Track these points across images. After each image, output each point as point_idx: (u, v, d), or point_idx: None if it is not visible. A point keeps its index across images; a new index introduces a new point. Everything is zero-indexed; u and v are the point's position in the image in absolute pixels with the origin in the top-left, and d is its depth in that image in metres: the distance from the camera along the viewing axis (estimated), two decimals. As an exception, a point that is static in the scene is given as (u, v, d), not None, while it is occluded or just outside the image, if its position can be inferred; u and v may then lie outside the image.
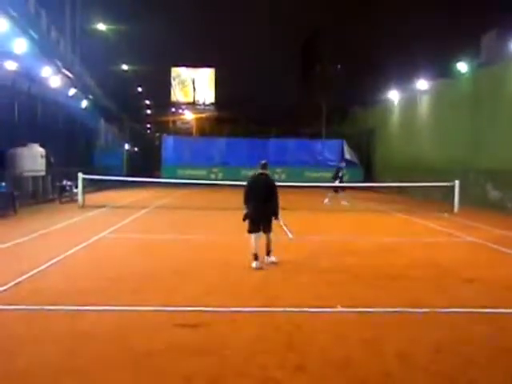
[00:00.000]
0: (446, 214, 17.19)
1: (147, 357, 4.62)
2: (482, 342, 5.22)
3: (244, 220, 8.69)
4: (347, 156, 37.00)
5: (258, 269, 8.27)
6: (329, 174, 36.30)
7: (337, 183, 20.74)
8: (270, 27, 52.83)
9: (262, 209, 8.66)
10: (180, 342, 5.00)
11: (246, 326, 5.54)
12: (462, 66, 23.24)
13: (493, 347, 5.07)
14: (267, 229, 8.75)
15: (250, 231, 8.68)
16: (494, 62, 20.86)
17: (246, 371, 4.39)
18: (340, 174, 20.74)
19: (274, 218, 8.85)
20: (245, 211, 8.73)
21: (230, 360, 4.60)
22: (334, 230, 13.92)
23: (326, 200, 20.72)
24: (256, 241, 8.58)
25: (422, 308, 6.26)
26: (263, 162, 9.09)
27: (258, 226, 8.66)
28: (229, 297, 6.64)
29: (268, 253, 8.82)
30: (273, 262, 8.72)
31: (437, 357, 4.78)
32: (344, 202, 20.31)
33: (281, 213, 9.08)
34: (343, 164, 21.95)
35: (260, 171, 8.97)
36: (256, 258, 8.44)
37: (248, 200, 8.75)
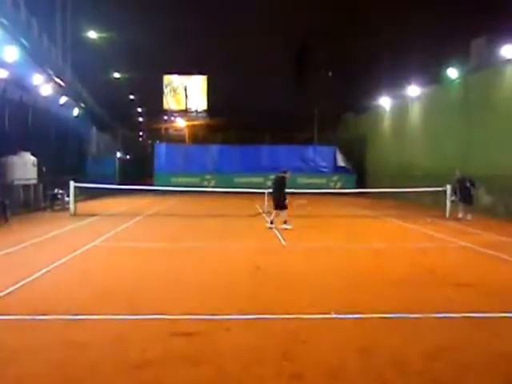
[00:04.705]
0: (437, 220, 17.24)
1: (142, 366, 4.56)
2: (479, 347, 5.19)
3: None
4: (341, 163, 37.07)
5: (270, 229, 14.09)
6: (321, 181, 36.95)
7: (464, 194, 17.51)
8: (261, 34, 53.04)
9: (275, 195, 14.69)
10: (175, 352, 4.93)
11: (242, 335, 5.49)
12: (452, 72, 23.44)
13: (490, 353, 5.03)
14: (277, 207, 14.52)
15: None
16: (484, 68, 21.05)
17: (242, 381, 4.34)
18: (474, 182, 17.58)
19: (282, 200, 14.35)
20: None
21: (226, 369, 4.54)
22: (326, 236, 13.90)
23: (463, 214, 17.53)
24: (273, 214, 14.68)
25: (416, 313, 6.24)
26: (283, 169, 15.51)
27: (273, 204, 14.71)
28: (224, 305, 6.58)
29: (272, 222, 14.51)
30: (271, 228, 14.25)
31: (433, 363, 4.74)
32: (469, 216, 17.21)
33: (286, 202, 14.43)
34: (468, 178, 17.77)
35: (279, 174, 14.97)
36: (271, 223, 14.47)
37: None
